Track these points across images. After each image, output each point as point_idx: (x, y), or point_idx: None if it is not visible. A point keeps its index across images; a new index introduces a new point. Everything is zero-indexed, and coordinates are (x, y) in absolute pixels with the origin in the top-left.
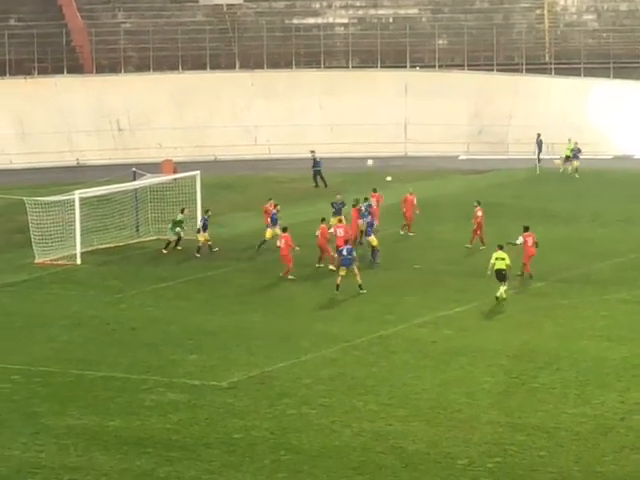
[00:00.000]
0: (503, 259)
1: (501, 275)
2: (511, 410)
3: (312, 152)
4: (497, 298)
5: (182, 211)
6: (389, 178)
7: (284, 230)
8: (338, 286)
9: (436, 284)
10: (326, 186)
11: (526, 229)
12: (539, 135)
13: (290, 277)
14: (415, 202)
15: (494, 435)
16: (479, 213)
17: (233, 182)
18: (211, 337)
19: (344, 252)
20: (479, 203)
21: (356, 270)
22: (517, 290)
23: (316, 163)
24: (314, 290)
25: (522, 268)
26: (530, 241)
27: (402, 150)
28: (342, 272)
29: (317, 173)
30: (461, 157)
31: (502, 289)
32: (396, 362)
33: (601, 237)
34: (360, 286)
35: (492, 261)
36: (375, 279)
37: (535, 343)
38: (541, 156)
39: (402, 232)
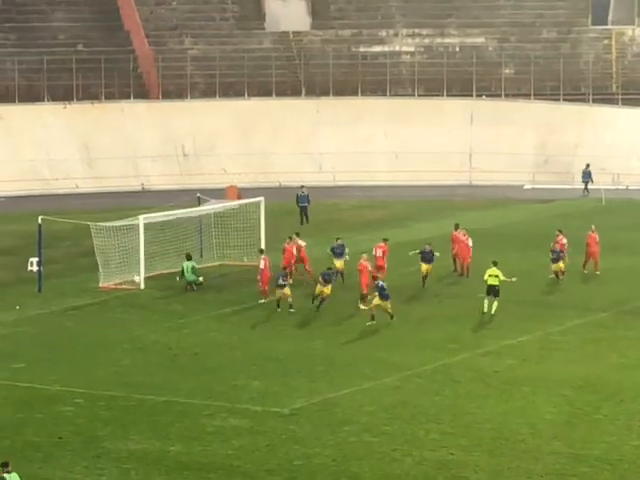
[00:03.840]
0: (496, 276)
1: (494, 291)
2: (574, 441)
3: (301, 187)
4: (484, 313)
5: (188, 257)
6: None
7: (261, 252)
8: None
9: (500, 313)
10: (308, 222)
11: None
12: (588, 165)
13: (261, 301)
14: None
15: (556, 466)
16: (564, 241)
17: (296, 209)
18: (274, 363)
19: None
20: (560, 232)
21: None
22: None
23: (300, 199)
24: (376, 317)
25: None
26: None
27: (467, 179)
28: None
29: (303, 209)
30: (526, 186)
31: (494, 305)
32: (459, 391)
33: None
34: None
35: (485, 277)
36: (439, 307)
37: (599, 374)
38: (591, 186)
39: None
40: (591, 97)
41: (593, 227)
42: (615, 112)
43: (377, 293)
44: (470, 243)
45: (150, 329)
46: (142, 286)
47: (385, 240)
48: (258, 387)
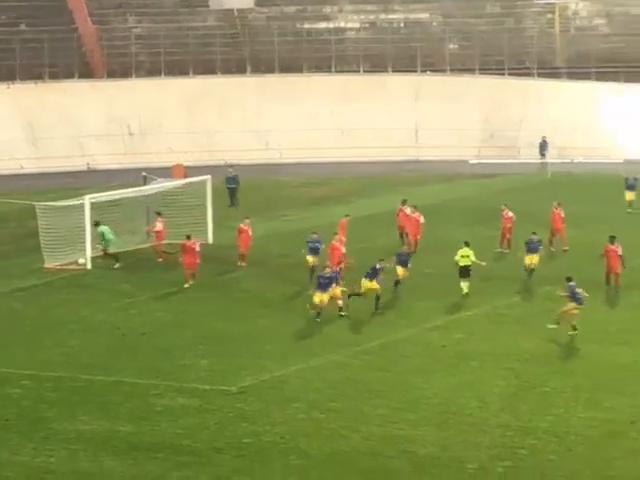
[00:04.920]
0: (468, 256)
1: (466, 272)
2: (521, 414)
3: (230, 167)
4: (465, 294)
5: (96, 224)
6: None
7: (188, 237)
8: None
9: (447, 288)
10: (237, 204)
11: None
12: (544, 137)
13: (187, 285)
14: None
15: (504, 439)
16: (509, 214)
17: (243, 186)
18: (221, 342)
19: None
20: (506, 206)
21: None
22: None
23: (228, 180)
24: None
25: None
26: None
27: (413, 154)
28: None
29: (232, 191)
30: (472, 161)
31: (465, 285)
32: (406, 366)
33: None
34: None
35: (457, 258)
36: (387, 283)
37: (546, 347)
38: (548, 160)
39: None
40: (536, 71)
41: (556, 203)
42: (559, 86)
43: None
44: (422, 220)
45: (97, 309)
46: (89, 266)
47: (347, 216)
48: (206, 366)
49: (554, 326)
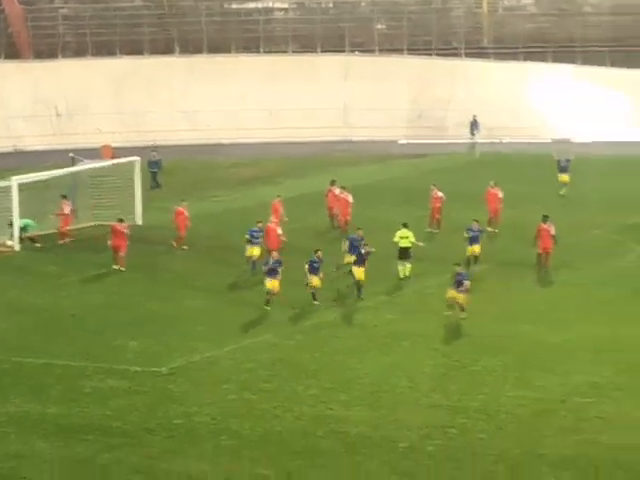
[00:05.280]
0: (407, 237)
1: (405, 253)
2: (452, 393)
3: (153, 150)
4: (402, 279)
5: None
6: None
7: (121, 220)
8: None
9: (379, 268)
10: (159, 188)
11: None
12: (474, 116)
13: (117, 267)
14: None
15: (435, 418)
16: (439, 194)
17: (172, 167)
18: (152, 323)
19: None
20: (435, 186)
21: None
22: None
23: (150, 164)
24: (254, 277)
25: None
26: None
27: (342, 135)
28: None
29: (153, 175)
30: (401, 141)
31: (407, 267)
32: (338, 346)
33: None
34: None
35: (395, 239)
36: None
37: (476, 326)
38: (479, 139)
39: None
40: (463, 51)
41: (492, 183)
42: (487, 66)
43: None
44: (350, 200)
45: (25, 291)
46: (17, 248)
47: (278, 196)
48: (136, 347)
49: (449, 313)
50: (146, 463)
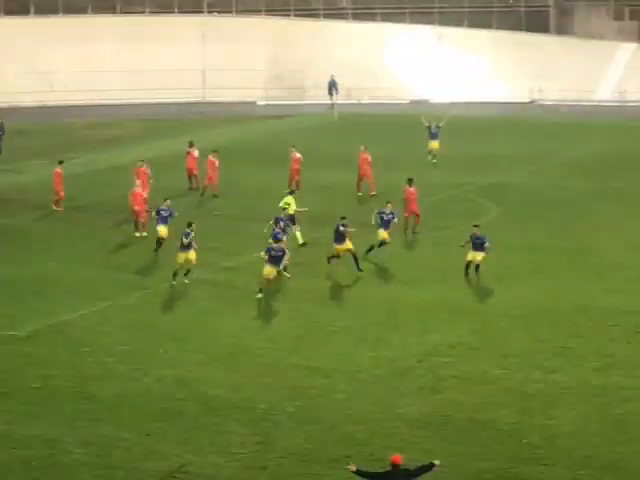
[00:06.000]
0: (289, 204)
1: (292, 219)
2: (311, 354)
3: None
4: (303, 244)
5: None
6: None
7: None
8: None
9: (235, 230)
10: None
11: None
12: (332, 76)
13: None
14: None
15: (294, 379)
16: (297, 156)
17: (29, 129)
18: (8, 287)
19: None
20: (294, 147)
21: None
22: None
23: None
24: (114, 239)
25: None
26: None
27: (201, 96)
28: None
29: None
30: (260, 102)
31: (297, 234)
32: (196, 308)
33: (395, 182)
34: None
35: (281, 204)
36: (173, 226)
37: (334, 287)
38: (337, 100)
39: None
40: (321, 12)
41: (363, 147)
42: (345, 27)
43: None
44: (217, 163)
45: None
46: None
47: (141, 161)
48: None
49: (260, 295)
50: (3, 428)
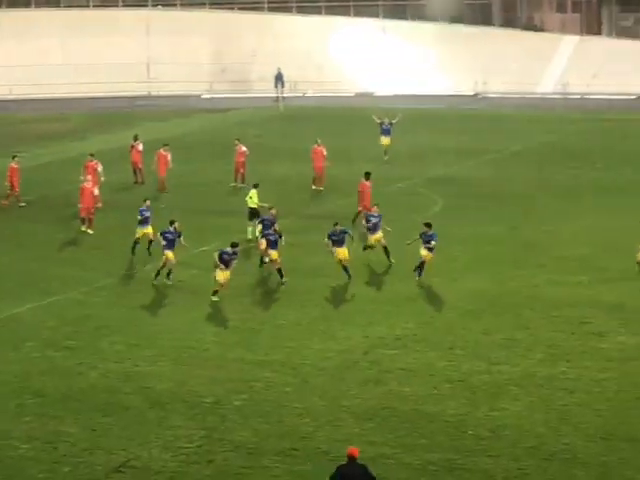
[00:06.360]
0: (251, 198)
1: (254, 213)
2: (257, 347)
3: None
4: (250, 240)
5: None
6: None
7: None
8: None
9: (182, 223)
10: None
11: None
12: (279, 69)
13: None
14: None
15: (241, 373)
16: (243, 149)
17: None
18: None
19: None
20: (239, 140)
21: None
22: None
23: None
24: (60, 234)
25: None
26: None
27: (146, 89)
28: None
29: None
30: (204, 96)
31: (256, 228)
32: (143, 302)
33: (341, 176)
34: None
35: (247, 198)
36: (122, 217)
37: (278, 281)
38: (284, 94)
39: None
40: (267, 5)
41: (319, 140)
42: (291, 20)
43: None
44: (169, 157)
45: None
46: None
47: (91, 155)
48: None
49: (216, 299)
50: None
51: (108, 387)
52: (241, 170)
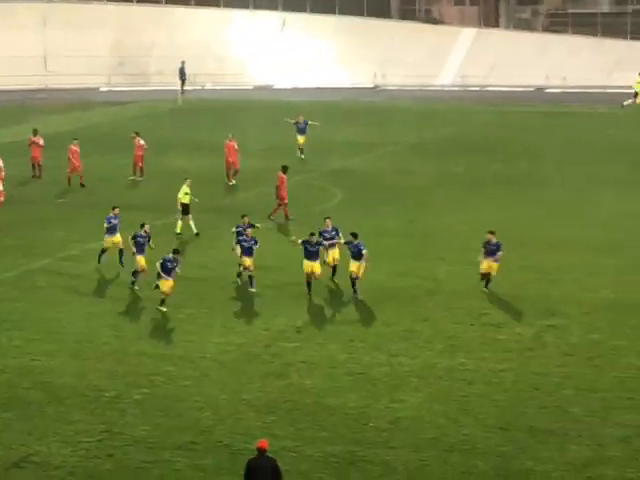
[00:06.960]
0: (187, 193)
1: (186, 209)
2: (157, 342)
3: None
4: (179, 234)
5: None
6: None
7: None
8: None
9: (81, 218)
10: None
11: None
12: (183, 62)
13: None
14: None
15: (141, 367)
16: (141, 142)
17: None
18: None
19: None
20: (137, 134)
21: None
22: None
23: None
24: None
25: None
26: None
27: (43, 82)
28: None
29: None
30: (102, 89)
31: (191, 223)
32: (42, 296)
33: (247, 167)
34: None
35: (180, 195)
36: (56, 211)
37: (184, 275)
38: (185, 87)
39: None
40: None
41: (231, 135)
42: (190, 13)
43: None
44: (78, 149)
45: None
46: None
47: (75, 139)
48: None
49: (164, 309)
50: None
51: (7, 382)
52: (140, 164)
